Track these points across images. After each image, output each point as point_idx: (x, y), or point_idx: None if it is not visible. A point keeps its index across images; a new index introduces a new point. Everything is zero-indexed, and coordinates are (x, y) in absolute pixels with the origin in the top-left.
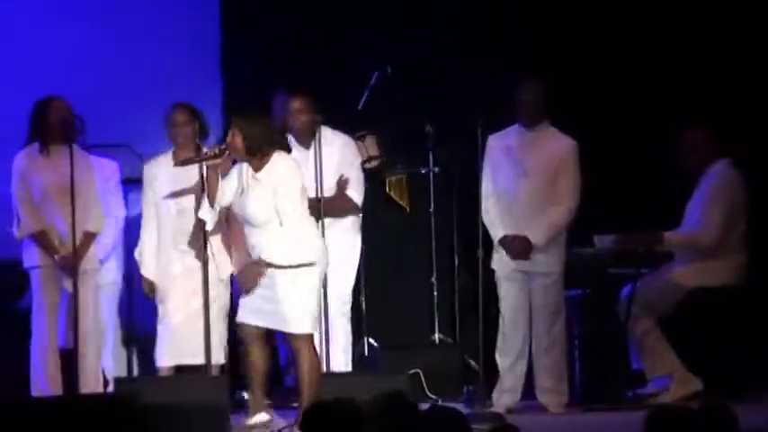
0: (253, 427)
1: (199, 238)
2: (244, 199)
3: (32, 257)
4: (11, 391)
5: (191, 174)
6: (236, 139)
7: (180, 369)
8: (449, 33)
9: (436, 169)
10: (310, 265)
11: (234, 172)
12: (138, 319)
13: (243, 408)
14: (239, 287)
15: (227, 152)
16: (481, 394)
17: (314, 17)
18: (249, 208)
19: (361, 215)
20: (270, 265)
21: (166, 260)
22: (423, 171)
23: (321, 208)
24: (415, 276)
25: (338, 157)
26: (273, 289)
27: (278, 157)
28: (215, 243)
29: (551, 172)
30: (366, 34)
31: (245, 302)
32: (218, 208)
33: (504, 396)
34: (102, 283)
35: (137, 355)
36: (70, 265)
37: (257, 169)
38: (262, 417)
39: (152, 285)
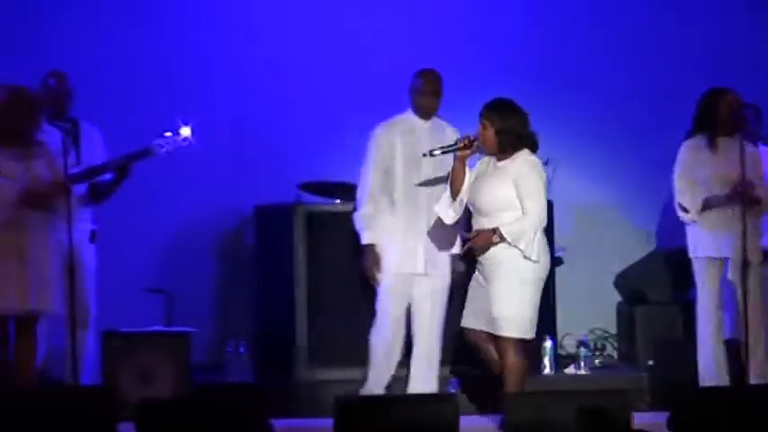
0: None
1: None
2: (478, 185)
3: (696, 247)
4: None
5: None
6: (489, 133)
7: None
8: None
9: None
10: (532, 261)
11: (476, 166)
12: None
13: None
14: None
15: (477, 144)
16: None
17: None
18: (483, 194)
19: None
20: (502, 238)
21: None
22: None
23: None
24: None
25: None
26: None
27: (524, 152)
28: None
29: None
30: None
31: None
32: (459, 202)
33: None
34: None
35: None
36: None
37: (500, 159)
38: None
39: None
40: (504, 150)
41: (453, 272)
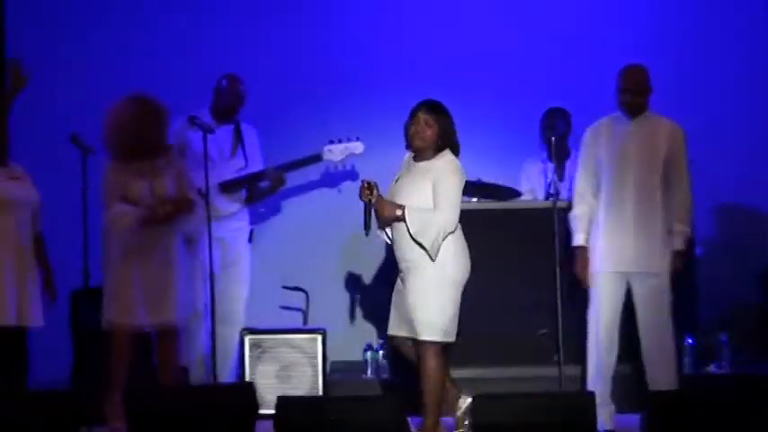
0: None
1: None
2: (398, 186)
3: None
4: None
5: None
6: (430, 131)
7: None
8: None
9: None
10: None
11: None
12: None
13: None
14: None
15: (376, 190)
16: None
17: None
18: (402, 195)
19: None
20: (403, 216)
21: None
22: None
23: None
24: None
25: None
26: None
27: (446, 153)
28: None
29: None
30: None
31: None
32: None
33: None
34: None
35: None
36: None
37: (419, 160)
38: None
39: None
40: (437, 149)
41: (673, 268)
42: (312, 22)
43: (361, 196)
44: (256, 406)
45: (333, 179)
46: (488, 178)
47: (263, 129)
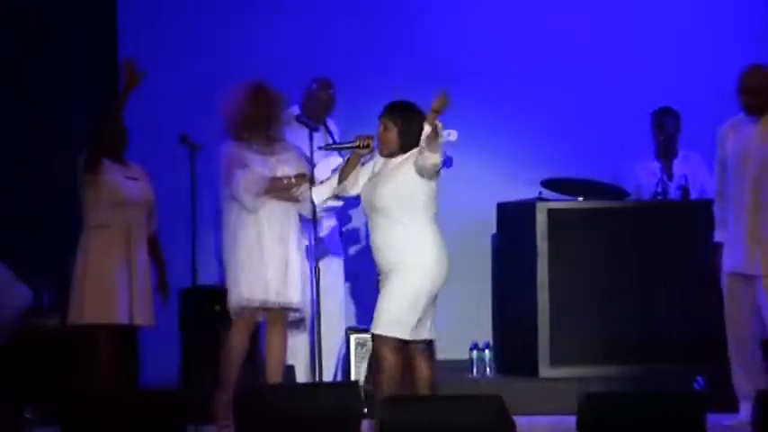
0: None
1: None
2: (374, 185)
3: None
4: None
5: None
6: (391, 134)
7: None
8: None
9: None
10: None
11: (369, 164)
12: None
13: None
14: None
15: (371, 146)
16: None
17: None
18: (382, 193)
19: None
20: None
21: None
22: None
23: None
24: None
25: None
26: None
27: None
28: None
29: None
30: None
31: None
32: (341, 189)
33: None
34: None
35: None
36: None
37: (392, 157)
38: None
39: None
40: (404, 151)
41: None
42: (400, 15)
43: (358, 141)
44: (362, 405)
45: None
46: (596, 177)
47: (349, 124)
